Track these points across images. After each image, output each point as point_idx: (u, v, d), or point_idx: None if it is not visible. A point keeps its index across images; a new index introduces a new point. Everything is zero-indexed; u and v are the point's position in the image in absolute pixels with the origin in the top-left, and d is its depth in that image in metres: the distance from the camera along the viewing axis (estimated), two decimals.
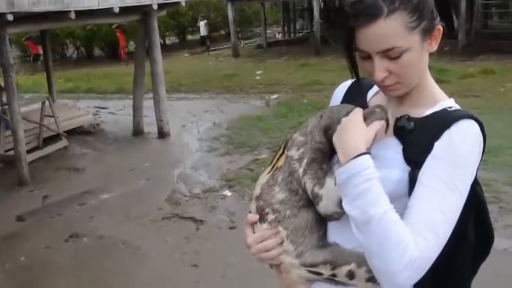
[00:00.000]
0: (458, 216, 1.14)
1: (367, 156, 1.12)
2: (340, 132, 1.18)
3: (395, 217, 1.09)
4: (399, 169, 1.18)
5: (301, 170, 1.23)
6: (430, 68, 1.26)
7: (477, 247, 1.30)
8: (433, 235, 1.10)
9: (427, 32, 1.17)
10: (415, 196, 1.14)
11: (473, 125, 1.17)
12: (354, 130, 1.16)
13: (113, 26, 19.09)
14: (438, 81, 1.31)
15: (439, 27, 1.19)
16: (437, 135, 1.16)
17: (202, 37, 22.61)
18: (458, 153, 1.14)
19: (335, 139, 1.19)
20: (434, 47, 1.21)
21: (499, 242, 1.57)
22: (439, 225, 1.11)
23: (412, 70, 1.18)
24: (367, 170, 1.10)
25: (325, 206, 1.21)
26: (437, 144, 1.15)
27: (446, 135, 1.15)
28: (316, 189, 1.21)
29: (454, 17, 16.80)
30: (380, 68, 1.16)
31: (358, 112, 1.20)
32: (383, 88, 1.23)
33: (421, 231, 1.09)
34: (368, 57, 1.18)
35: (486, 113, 7.32)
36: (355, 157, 1.11)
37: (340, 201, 1.15)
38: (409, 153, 1.18)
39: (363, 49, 1.16)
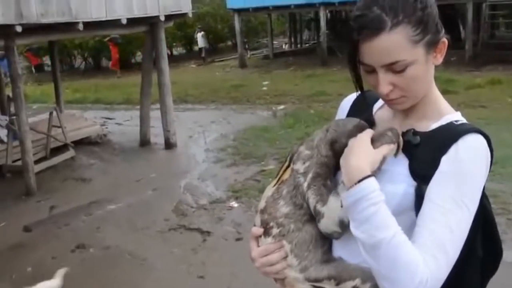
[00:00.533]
0: (467, 233, 1.13)
1: (372, 179, 1.10)
2: (346, 154, 1.18)
3: (403, 239, 1.08)
4: (404, 184, 1.17)
5: (305, 185, 1.23)
6: (436, 78, 1.25)
7: (485, 262, 1.28)
8: (442, 254, 1.08)
9: (431, 45, 1.15)
10: (423, 214, 1.13)
11: (480, 139, 1.15)
12: (359, 153, 1.15)
13: (106, 39, 19.21)
14: (445, 92, 1.30)
15: (444, 40, 1.18)
16: (443, 150, 1.15)
17: (200, 49, 22.75)
18: (465, 169, 1.13)
19: (342, 161, 1.18)
20: (439, 59, 1.20)
21: (508, 255, 1.55)
22: (448, 244, 1.09)
23: (417, 84, 1.17)
24: (373, 193, 1.09)
25: (325, 224, 1.20)
26: (443, 159, 1.14)
27: (453, 149, 1.14)
28: (319, 206, 1.20)
29: (461, 28, 16.79)
30: (385, 82, 1.15)
31: (366, 134, 1.19)
32: (388, 102, 1.22)
33: (430, 250, 1.08)
34: (372, 71, 1.17)
35: (493, 124, 7.29)
36: (359, 181, 1.10)
37: (341, 222, 1.15)
38: (415, 167, 1.17)
39: (367, 62, 1.15)
